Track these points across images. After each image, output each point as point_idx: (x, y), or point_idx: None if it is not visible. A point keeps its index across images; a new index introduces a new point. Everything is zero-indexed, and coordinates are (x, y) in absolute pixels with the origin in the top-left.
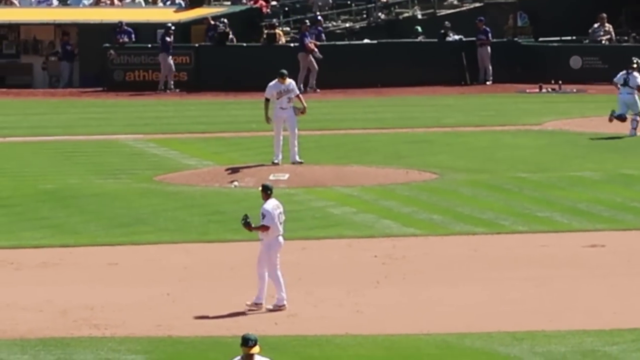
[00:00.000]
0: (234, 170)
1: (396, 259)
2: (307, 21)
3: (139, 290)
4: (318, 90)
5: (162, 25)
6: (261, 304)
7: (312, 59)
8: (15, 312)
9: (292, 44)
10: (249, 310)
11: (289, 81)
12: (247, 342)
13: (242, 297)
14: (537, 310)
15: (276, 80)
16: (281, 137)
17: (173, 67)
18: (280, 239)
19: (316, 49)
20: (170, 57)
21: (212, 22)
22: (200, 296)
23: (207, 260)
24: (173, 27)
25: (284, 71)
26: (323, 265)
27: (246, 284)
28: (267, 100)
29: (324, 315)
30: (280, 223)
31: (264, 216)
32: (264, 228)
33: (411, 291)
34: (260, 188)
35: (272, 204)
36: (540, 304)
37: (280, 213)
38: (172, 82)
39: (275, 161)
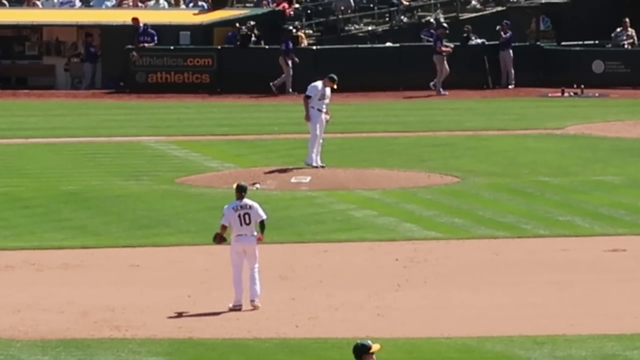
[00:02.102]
0: (271, 172)
1: (417, 263)
2: (444, 24)
3: (160, 292)
4: (445, 92)
5: (185, 26)
6: (255, 302)
7: (446, 63)
8: (36, 313)
9: (314, 47)
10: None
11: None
12: (366, 347)
13: (263, 299)
14: (558, 315)
15: (322, 82)
16: (319, 140)
17: (291, 71)
18: (242, 239)
19: (449, 50)
20: (290, 60)
21: (238, 25)
22: (221, 298)
23: (228, 262)
24: (295, 30)
25: (335, 77)
26: (344, 268)
27: (267, 286)
28: (309, 97)
29: (345, 318)
30: (246, 224)
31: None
32: (222, 228)
33: (432, 294)
34: (234, 187)
35: (233, 204)
36: (561, 308)
37: (245, 214)
38: (290, 86)
39: (315, 164)
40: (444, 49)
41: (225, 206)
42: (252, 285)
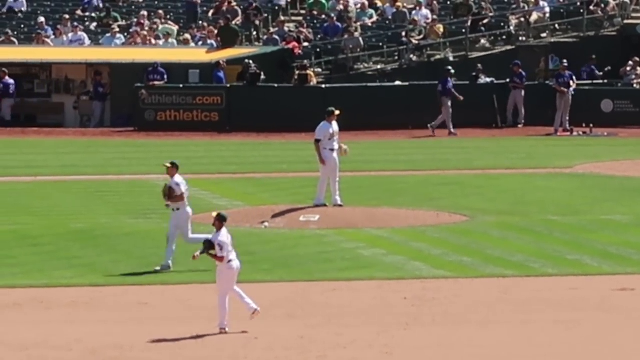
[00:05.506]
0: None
1: (426, 301)
2: (564, 62)
3: (168, 330)
4: (563, 130)
5: (194, 65)
6: (256, 312)
7: (569, 98)
8: (45, 351)
9: (323, 85)
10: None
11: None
12: None
13: (271, 339)
14: (566, 354)
15: (325, 121)
16: (337, 178)
17: (450, 110)
18: (232, 264)
19: (564, 91)
20: (450, 101)
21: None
22: (229, 337)
23: (236, 300)
24: (453, 70)
25: (332, 108)
26: (353, 306)
27: (275, 324)
28: (319, 141)
29: (354, 357)
30: (229, 252)
31: (221, 247)
32: (220, 259)
33: (441, 333)
34: (214, 215)
35: (225, 235)
36: (569, 348)
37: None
38: (451, 125)
39: (319, 203)
40: (559, 88)
41: (221, 238)
42: (242, 301)
